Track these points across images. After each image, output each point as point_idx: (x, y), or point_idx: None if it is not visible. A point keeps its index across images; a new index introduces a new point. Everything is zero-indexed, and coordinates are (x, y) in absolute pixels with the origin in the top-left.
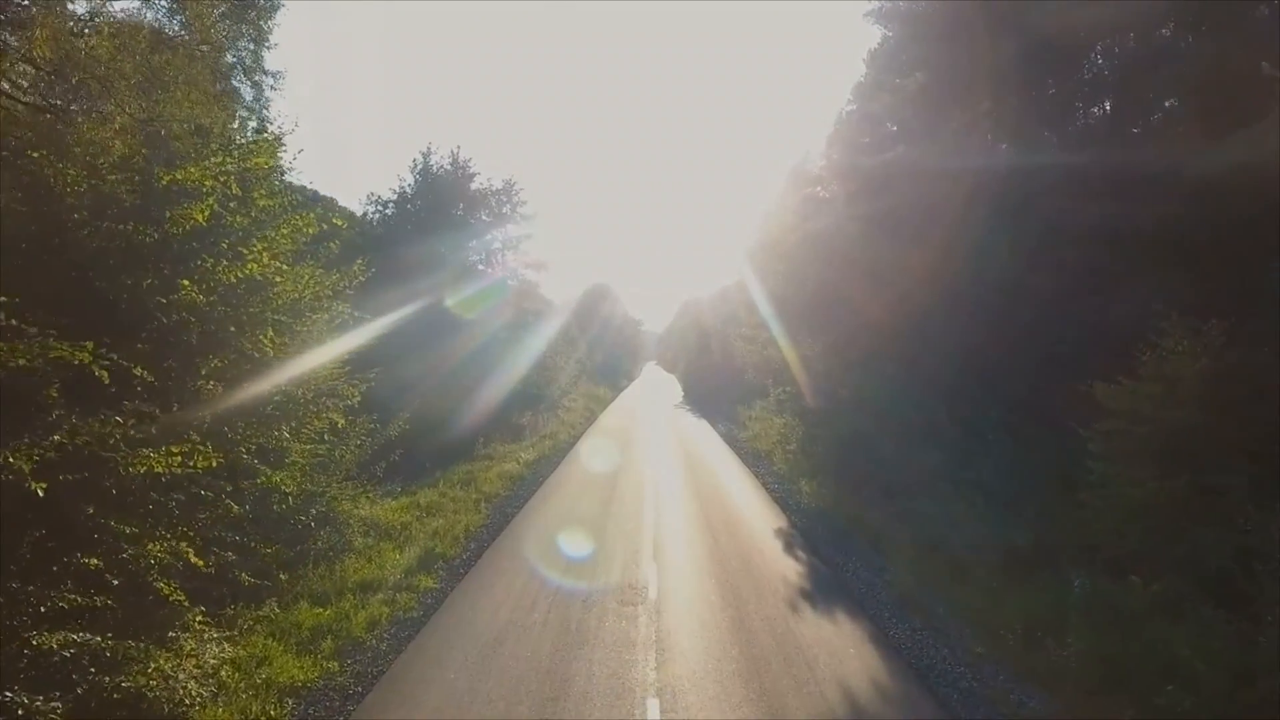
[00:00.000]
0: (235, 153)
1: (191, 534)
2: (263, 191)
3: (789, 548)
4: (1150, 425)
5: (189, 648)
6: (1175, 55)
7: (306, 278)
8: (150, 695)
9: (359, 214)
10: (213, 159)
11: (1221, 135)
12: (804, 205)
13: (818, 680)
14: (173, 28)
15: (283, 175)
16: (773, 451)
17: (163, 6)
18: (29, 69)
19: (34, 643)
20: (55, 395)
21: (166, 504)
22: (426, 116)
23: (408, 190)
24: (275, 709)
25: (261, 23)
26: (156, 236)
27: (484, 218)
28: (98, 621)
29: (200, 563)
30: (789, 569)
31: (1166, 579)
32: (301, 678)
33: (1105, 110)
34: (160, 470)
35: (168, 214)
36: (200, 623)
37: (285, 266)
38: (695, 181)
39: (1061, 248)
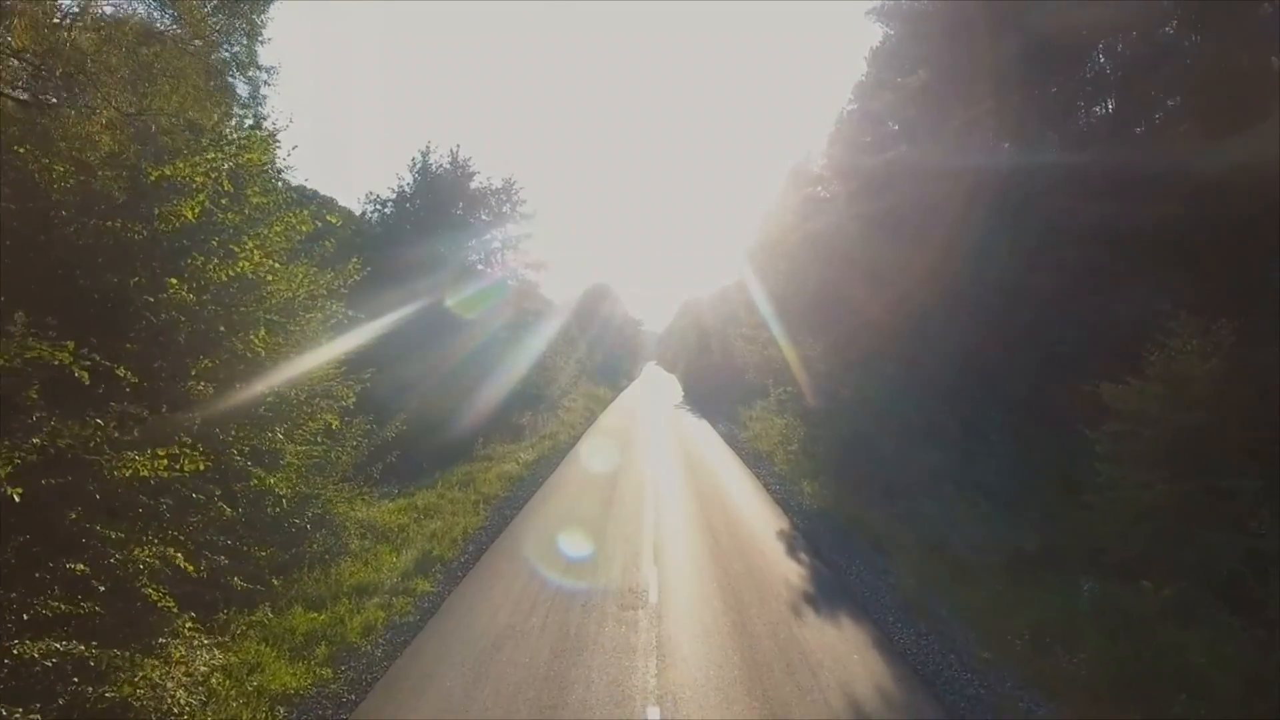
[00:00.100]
0: (226, 148)
1: (182, 538)
2: (256, 188)
3: (791, 549)
4: (1158, 426)
5: (178, 655)
6: (1177, 54)
7: (301, 276)
8: (137, 704)
9: (358, 214)
10: (204, 154)
11: (1223, 135)
12: (804, 205)
13: (822, 687)
14: (164, 22)
15: (279, 174)
16: (774, 452)
17: (154, 0)
18: (13, 63)
19: (15, 652)
20: (35, 397)
21: (156, 508)
22: (426, 116)
23: (406, 189)
24: (266, 717)
25: (255, 16)
26: (146, 234)
27: (483, 217)
28: (84, 629)
29: (190, 568)
30: (791, 571)
31: (1177, 584)
32: (294, 685)
33: (1107, 109)
34: (146, 474)
35: (156, 211)
36: (190, 629)
37: (278, 265)
38: (695, 182)
39: (1062, 247)
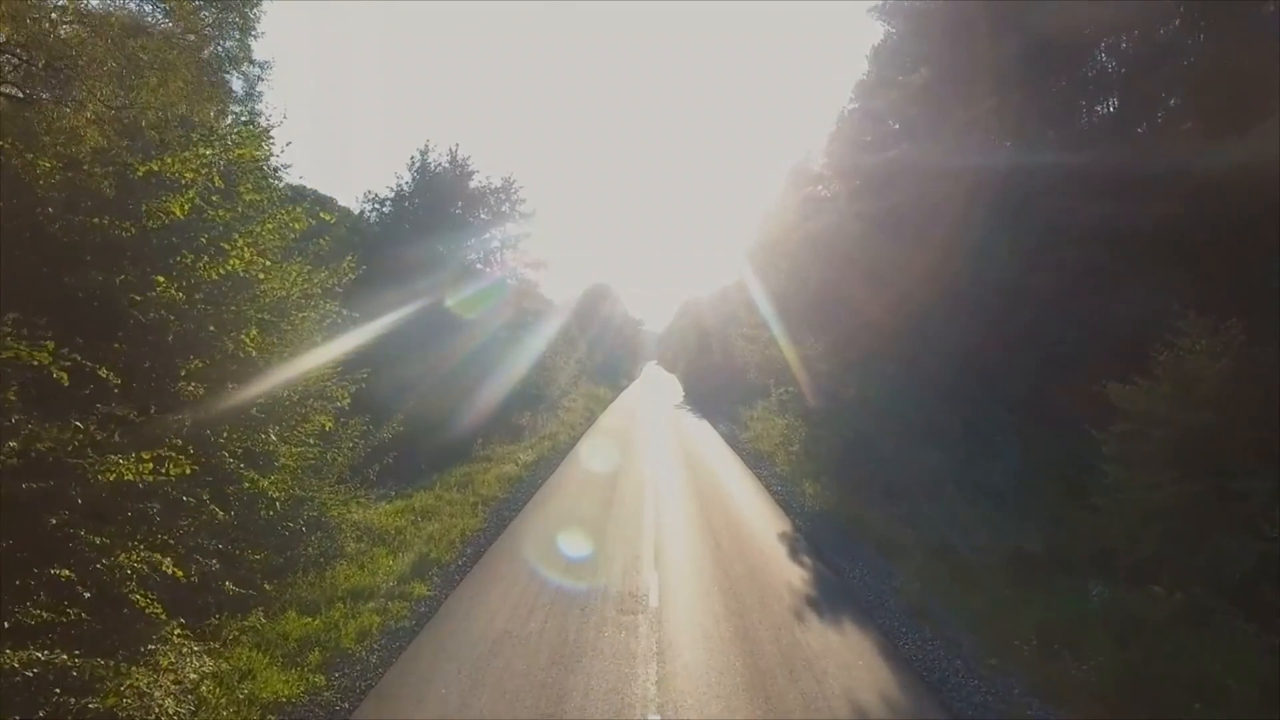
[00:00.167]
0: (216, 143)
1: (172, 542)
2: (249, 185)
3: (793, 552)
4: (1168, 427)
5: (166, 662)
6: (1178, 53)
7: (295, 275)
8: (123, 714)
9: (357, 213)
10: (195, 150)
11: (1225, 134)
12: (805, 204)
13: (826, 695)
14: (154, 16)
15: (275, 171)
16: (775, 452)
17: None
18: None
19: None
20: (13, 399)
21: (145, 511)
22: (426, 116)
23: (405, 189)
24: None
25: (247, 10)
26: (134, 231)
27: (483, 216)
28: (69, 637)
29: (179, 573)
30: (794, 575)
31: (1189, 588)
32: (286, 693)
33: (1109, 109)
34: (131, 478)
35: (144, 207)
36: (179, 636)
37: (269, 263)
38: (695, 181)
39: (1063, 247)
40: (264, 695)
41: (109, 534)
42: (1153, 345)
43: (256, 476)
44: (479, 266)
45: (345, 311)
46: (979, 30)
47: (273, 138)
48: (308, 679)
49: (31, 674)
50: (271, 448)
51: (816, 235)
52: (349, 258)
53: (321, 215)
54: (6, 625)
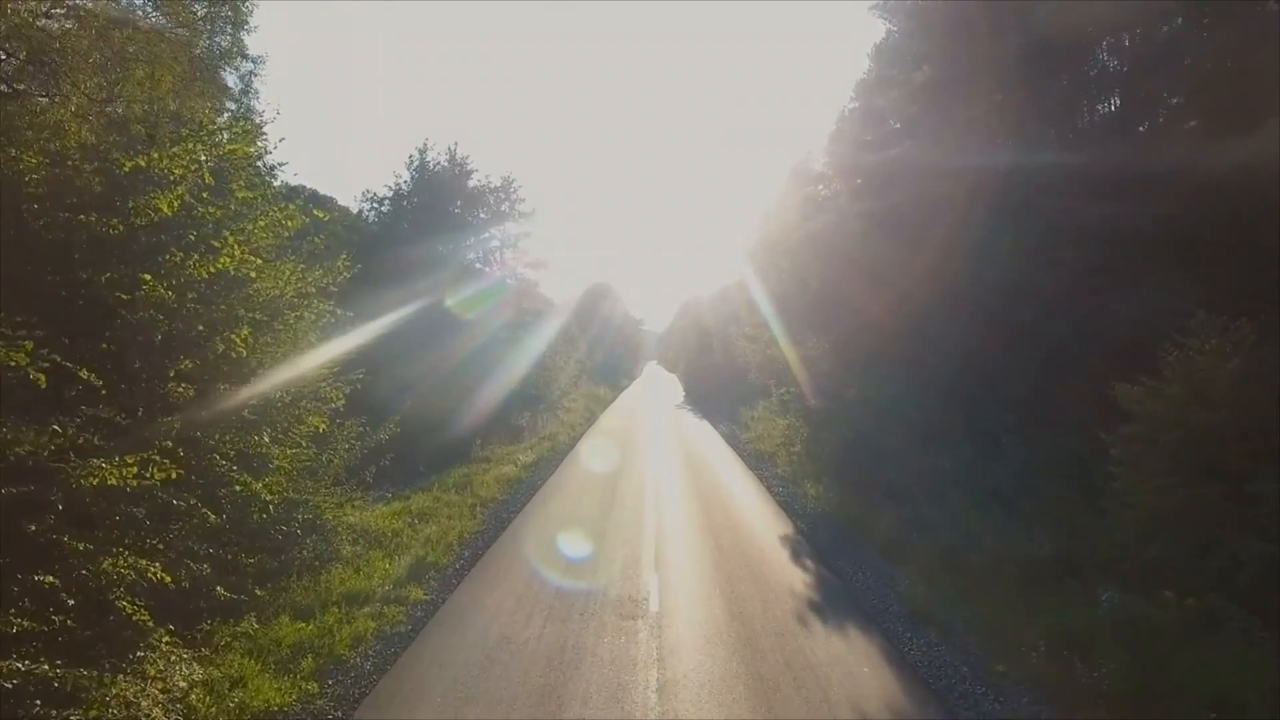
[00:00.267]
0: (205, 138)
1: (161, 547)
2: (241, 182)
3: (795, 555)
4: (1177, 429)
5: (154, 670)
6: (1181, 51)
7: (288, 273)
8: None
9: (355, 213)
10: (184, 145)
11: (1227, 133)
12: (806, 204)
13: (831, 703)
14: (145, 9)
15: (271, 170)
16: (776, 453)
17: None
18: None
19: None
20: None
21: (135, 516)
22: (427, 116)
23: (404, 188)
24: None
25: (240, 3)
26: (122, 229)
27: (482, 216)
28: (55, 645)
29: (168, 579)
30: (796, 579)
31: (1201, 594)
32: (277, 701)
33: (1111, 107)
34: (114, 482)
35: (131, 204)
36: (167, 643)
37: (260, 261)
38: (696, 181)
39: (1064, 246)
40: (255, 704)
41: (94, 540)
42: (1154, 345)
43: (249, 479)
44: (478, 266)
45: (340, 311)
46: (980, 29)
47: (265, 134)
48: (300, 686)
49: (11, 685)
50: (264, 450)
51: (817, 235)
52: (343, 256)
53: (315, 213)
54: None
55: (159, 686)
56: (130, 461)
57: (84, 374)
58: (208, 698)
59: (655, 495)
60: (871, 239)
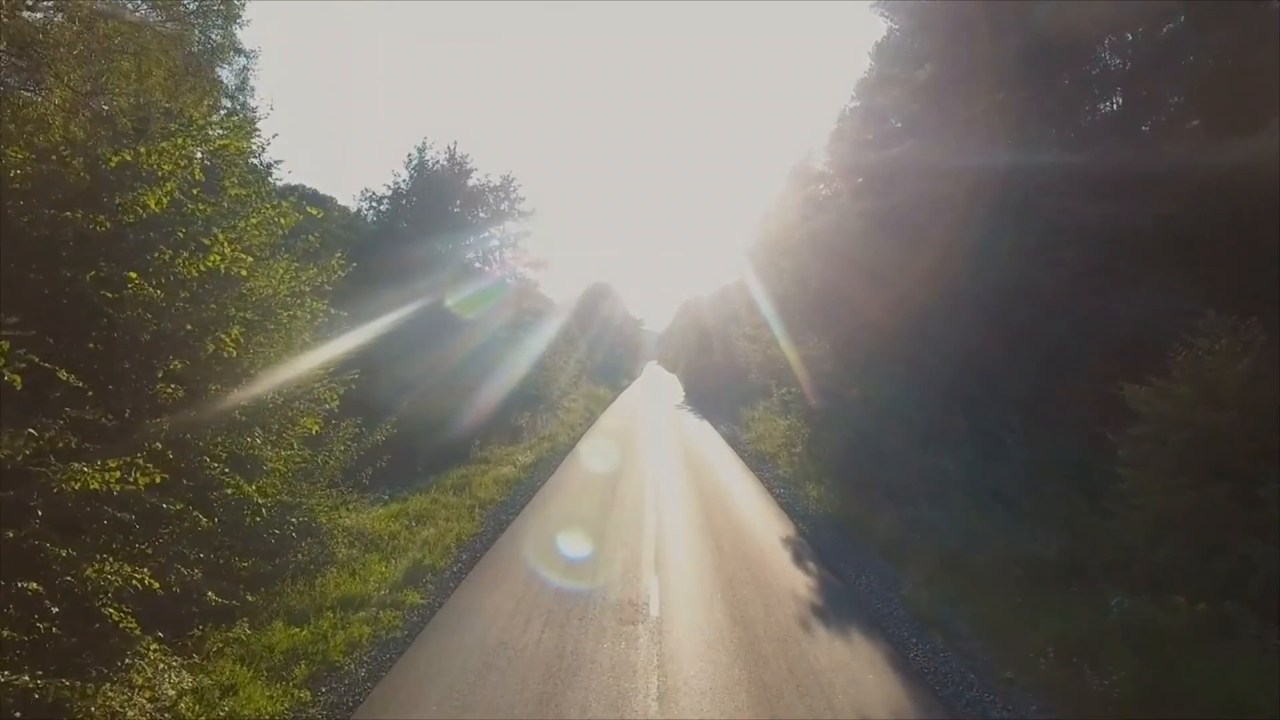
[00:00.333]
0: (195, 133)
1: (150, 552)
2: (234, 179)
3: (798, 558)
4: (1186, 430)
5: (140, 679)
6: (1182, 51)
7: (281, 272)
8: None
9: (355, 212)
10: (174, 140)
11: (1229, 133)
12: (806, 204)
13: (835, 711)
14: (135, 2)
15: (268, 168)
16: (777, 454)
17: None
18: None
19: None
20: None
21: (124, 520)
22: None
23: (403, 187)
24: None
25: None
26: (109, 226)
27: (481, 215)
28: (40, 653)
29: (156, 584)
30: (798, 582)
31: (1213, 599)
32: (269, 709)
33: (1113, 106)
34: (96, 486)
35: (118, 201)
36: (155, 651)
37: (252, 259)
38: (696, 181)
39: (1064, 246)
40: (246, 712)
41: (80, 545)
42: (1154, 345)
43: (241, 482)
44: (478, 266)
45: (335, 311)
46: (980, 28)
47: (259, 130)
48: (293, 694)
49: None
50: (258, 451)
51: (818, 234)
52: (338, 254)
53: (309, 210)
54: None
55: (147, 695)
56: (113, 465)
57: (62, 375)
58: (197, 706)
59: (655, 496)
60: (872, 238)
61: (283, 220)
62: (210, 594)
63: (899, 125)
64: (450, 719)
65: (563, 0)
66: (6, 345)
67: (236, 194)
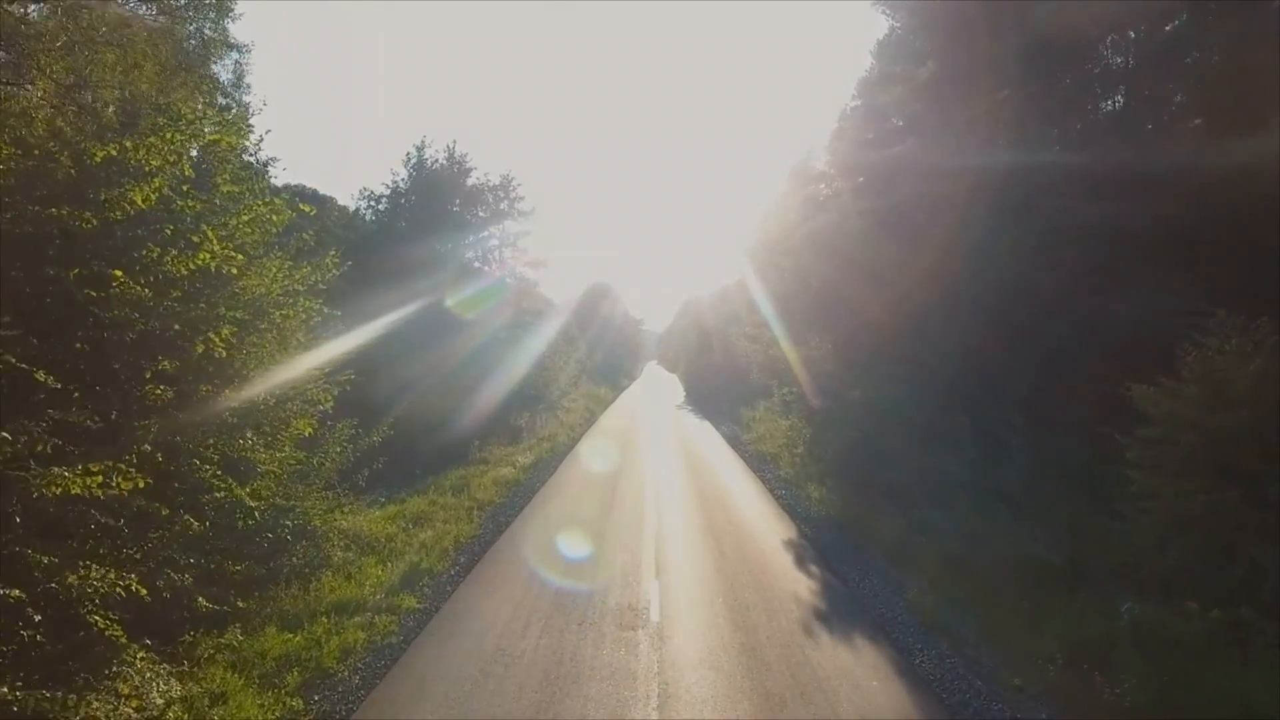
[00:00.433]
0: (184, 128)
1: (139, 557)
2: (226, 176)
3: (800, 561)
4: (1196, 431)
5: (126, 689)
6: (1184, 49)
7: (274, 271)
8: None
9: (354, 211)
10: (163, 134)
11: (1231, 132)
12: (807, 204)
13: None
14: None
15: (265, 166)
16: (778, 454)
17: None
18: None
19: None
20: None
21: (111, 525)
22: (427, 115)
23: (401, 185)
24: None
25: None
26: (95, 223)
27: (481, 214)
28: (23, 662)
29: (143, 590)
30: (801, 586)
31: (1226, 604)
32: (260, 718)
33: (1115, 105)
34: (78, 491)
35: (103, 197)
36: (142, 660)
37: (242, 257)
38: (696, 181)
39: (1064, 246)
40: None
41: (67, 551)
42: (1154, 345)
43: (233, 484)
44: (478, 265)
45: (328, 310)
46: (980, 27)
47: (252, 125)
48: (285, 702)
49: None
50: (250, 453)
51: (818, 234)
52: (332, 252)
53: (301, 207)
54: None
55: (134, 705)
56: (94, 470)
57: (40, 376)
58: (186, 715)
59: (656, 498)
60: (873, 238)
61: (275, 218)
62: (201, 599)
63: (900, 124)
64: None
65: (563, 0)
66: None
67: (229, 191)
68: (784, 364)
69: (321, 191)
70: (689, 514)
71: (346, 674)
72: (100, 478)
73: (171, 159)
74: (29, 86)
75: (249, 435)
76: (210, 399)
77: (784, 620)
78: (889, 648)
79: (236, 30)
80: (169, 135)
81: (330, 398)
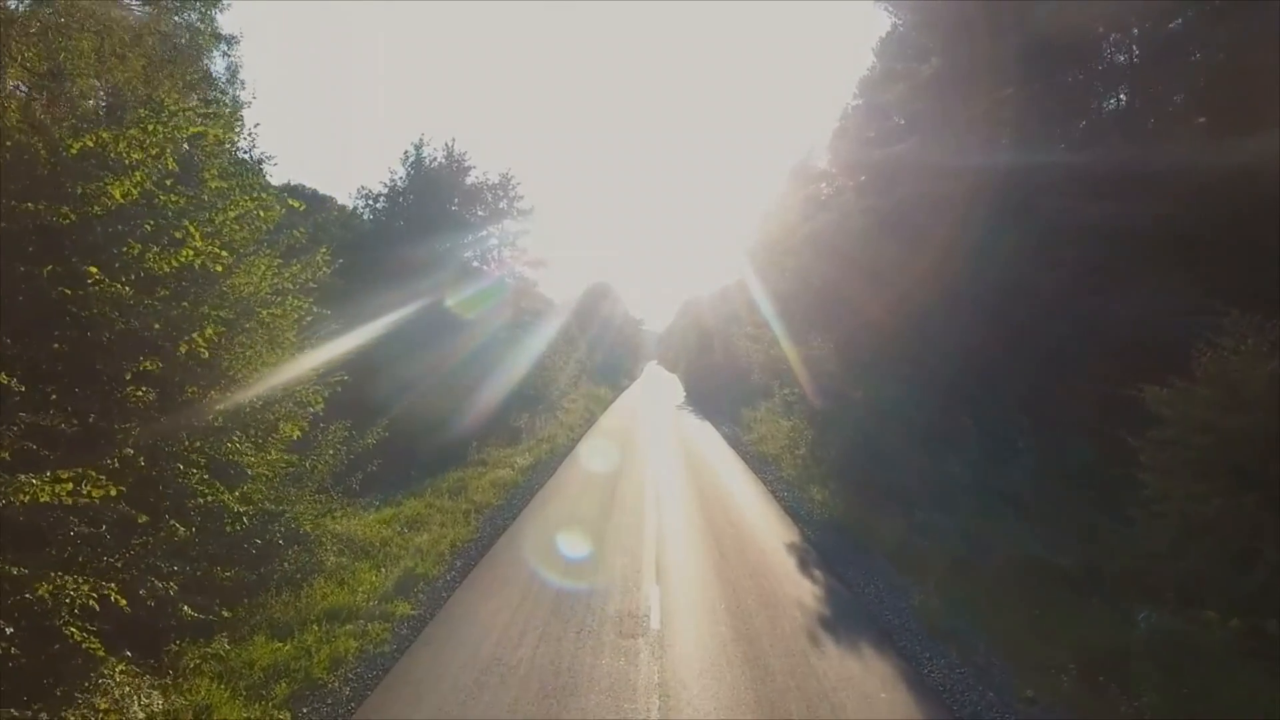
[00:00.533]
0: (166, 120)
1: (120, 565)
2: (215, 171)
3: (803, 565)
4: (1210, 433)
5: (104, 704)
6: (1187, 48)
7: (263, 269)
8: None
9: (352, 211)
10: (142, 126)
11: (1233, 131)
12: (808, 203)
13: None
14: None
15: (259, 163)
16: (780, 456)
17: None
18: None
19: None
20: None
21: (91, 533)
22: (427, 115)
23: (399, 184)
24: None
25: None
26: (74, 218)
27: (480, 213)
28: None
29: (123, 601)
30: (805, 591)
31: (1245, 613)
32: None
33: (1117, 104)
34: (47, 499)
35: (80, 190)
36: (122, 672)
37: (228, 255)
38: (696, 180)
39: (1065, 246)
40: None
41: (35, 561)
42: (1154, 345)
43: (220, 489)
44: (477, 265)
45: (319, 310)
46: (981, 26)
47: (241, 119)
48: (272, 715)
49: None
50: (238, 457)
51: (819, 233)
52: (323, 250)
53: (290, 202)
54: None
55: (112, 719)
56: (64, 477)
57: (3, 378)
58: None
59: (656, 500)
60: (874, 237)
61: (265, 214)
62: (186, 608)
63: (902, 122)
64: None
65: (563, 0)
66: None
67: (217, 186)
68: (785, 364)
69: (321, 191)
70: (689, 516)
71: (337, 685)
72: (70, 485)
73: (154, 152)
74: (2, 75)
75: (237, 438)
76: (196, 401)
77: (787, 627)
78: (896, 656)
79: (226, 22)
80: (150, 127)
81: (321, 400)
